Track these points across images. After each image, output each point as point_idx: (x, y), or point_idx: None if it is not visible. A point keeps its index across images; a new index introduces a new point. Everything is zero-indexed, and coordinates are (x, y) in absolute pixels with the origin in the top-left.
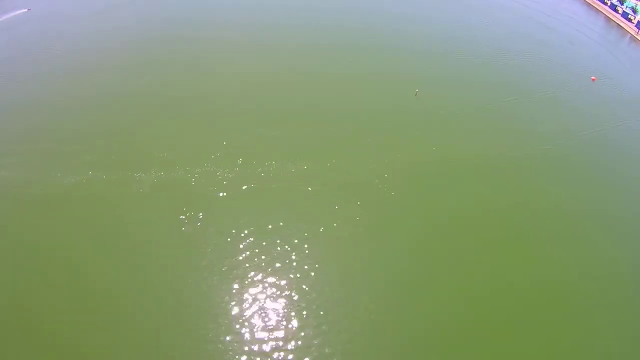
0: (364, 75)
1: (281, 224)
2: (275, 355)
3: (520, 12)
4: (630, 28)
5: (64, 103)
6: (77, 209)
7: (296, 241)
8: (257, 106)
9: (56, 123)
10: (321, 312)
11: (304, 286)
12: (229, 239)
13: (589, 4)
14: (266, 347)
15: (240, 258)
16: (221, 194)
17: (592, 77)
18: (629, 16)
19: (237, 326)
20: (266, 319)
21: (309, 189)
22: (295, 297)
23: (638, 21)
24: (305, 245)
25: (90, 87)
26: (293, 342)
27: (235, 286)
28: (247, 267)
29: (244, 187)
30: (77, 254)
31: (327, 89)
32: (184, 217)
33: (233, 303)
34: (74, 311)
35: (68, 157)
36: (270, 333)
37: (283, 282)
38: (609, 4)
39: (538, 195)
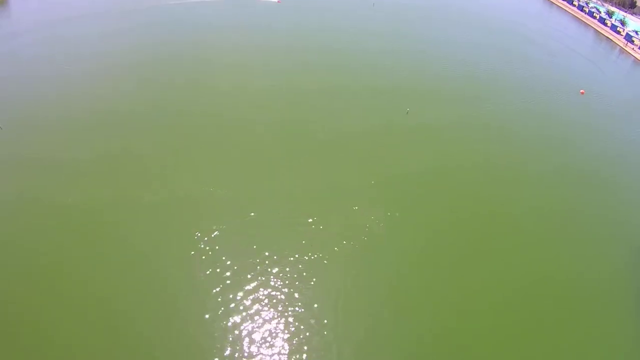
0: (360, 92)
1: (280, 232)
2: None
3: (511, 30)
4: (619, 40)
5: (70, 121)
6: (79, 222)
7: (295, 255)
8: (257, 123)
9: (62, 139)
10: (325, 321)
11: (308, 299)
12: (230, 255)
13: (578, 19)
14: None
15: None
16: (222, 214)
17: (581, 91)
18: (618, 28)
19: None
20: (271, 332)
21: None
22: (301, 310)
23: (627, 33)
24: (304, 259)
25: (95, 105)
26: (297, 355)
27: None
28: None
29: (244, 207)
30: (77, 263)
31: (324, 106)
32: (188, 234)
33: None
34: (74, 321)
35: (72, 172)
36: (274, 345)
37: (287, 295)
38: (597, 18)
39: (532, 201)
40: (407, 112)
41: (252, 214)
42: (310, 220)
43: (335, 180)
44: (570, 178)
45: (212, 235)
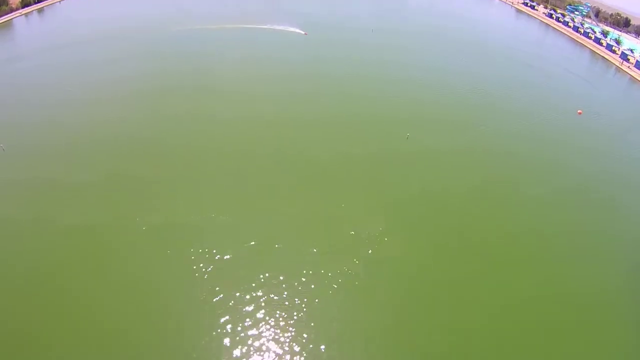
0: (361, 119)
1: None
2: None
3: (508, 54)
4: (615, 59)
5: (72, 145)
6: (81, 244)
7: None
8: (260, 153)
9: (64, 163)
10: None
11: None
12: (230, 281)
13: (574, 40)
14: None
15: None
16: (223, 241)
17: (579, 111)
18: (613, 47)
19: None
20: (275, 349)
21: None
22: (301, 329)
23: (622, 52)
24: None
25: (97, 130)
26: None
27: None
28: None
29: (246, 234)
30: (78, 284)
31: (325, 134)
32: (188, 259)
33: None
34: (73, 338)
35: (74, 194)
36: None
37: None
38: (593, 38)
39: (532, 223)
40: (408, 137)
41: (253, 242)
42: (313, 249)
43: (337, 206)
44: (570, 199)
45: (213, 261)
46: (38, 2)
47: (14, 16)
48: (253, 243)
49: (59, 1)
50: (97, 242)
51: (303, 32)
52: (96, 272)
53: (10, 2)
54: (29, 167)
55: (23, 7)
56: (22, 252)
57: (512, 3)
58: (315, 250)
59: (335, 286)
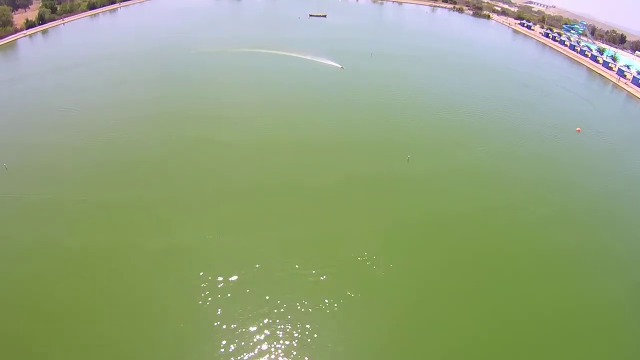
0: (361, 143)
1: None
2: None
3: (506, 75)
4: (612, 76)
5: (74, 167)
6: (84, 266)
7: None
8: (262, 174)
9: (66, 184)
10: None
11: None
12: (234, 305)
13: (570, 58)
14: None
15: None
16: (227, 264)
17: (577, 128)
18: (610, 64)
19: None
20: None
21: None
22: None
23: (619, 68)
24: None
25: (101, 152)
26: None
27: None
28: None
29: (249, 258)
30: (81, 307)
31: (327, 158)
32: (191, 282)
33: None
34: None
35: (76, 216)
36: None
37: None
38: (589, 56)
39: (534, 244)
40: (408, 160)
41: (257, 265)
42: (313, 271)
43: (339, 229)
44: (573, 217)
45: (215, 283)
46: (42, 23)
47: (18, 37)
48: (258, 266)
49: (63, 23)
50: (98, 263)
51: (339, 66)
52: (96, 293)
53: (15, 23)
54: (31, 187)
55: (27, 28)
56: (20, 272)
57: (509, 24)
58: (316, 272)
59: (338, 308)
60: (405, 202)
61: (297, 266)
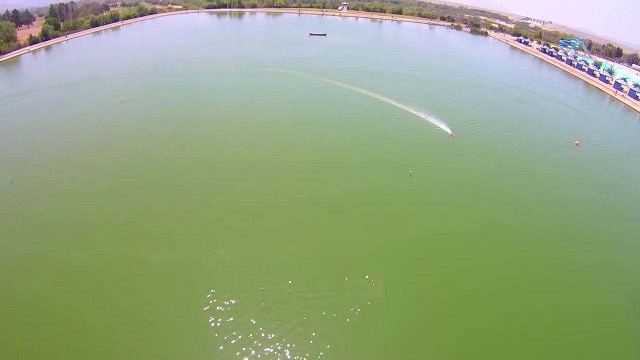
0: (364, 161)
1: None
2: None
3: (504, 91)
4: (609, 89)
5: (79, 182)
6: (90, 280)
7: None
8: (264, 193)
9: (71, 199)
10: None
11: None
12: (241, 323)
13: (568, 73)
14: None
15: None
16: (232, 282)
17: (576, 142)
18: (607, 78)
19: None
20: None
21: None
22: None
23: (615, 81)
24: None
25: (108, 169)
26: None
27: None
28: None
29: (255, 277)
30: (87, 321)
31: (330, 177)
32: (197, 299)
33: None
34: None
35: (82, 230)
36: None
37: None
38: (586, 70)
39: (535, 259)
40: (410, 175)
41: (263, 287)
42: (319, 292)
43: (342, 247)
44: (573, 232)
45: (222, 302)
46: (45, 39)
47: (22, 52)
48: (263, 287)
49: (66, 40)
50: (102, 279)
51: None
52: (100, 307)
53: (19, 39)
54: (34, 200)
55: (31, 44)
56: (23, 284)
57: (506, 40)
58: (321, 291)
59: (342, 328)
60: (407, 218)
61: (301, 286)
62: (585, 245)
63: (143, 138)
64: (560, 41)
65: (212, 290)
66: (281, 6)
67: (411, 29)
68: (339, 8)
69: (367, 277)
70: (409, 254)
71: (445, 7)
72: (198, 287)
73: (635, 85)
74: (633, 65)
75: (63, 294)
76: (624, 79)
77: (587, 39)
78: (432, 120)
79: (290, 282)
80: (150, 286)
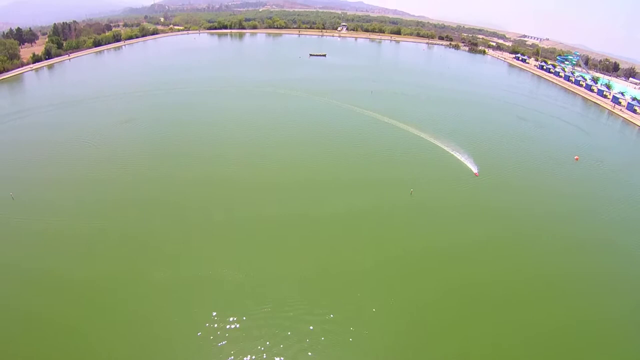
0: (365, 180)
1: (289, 310)
2: None
3: (504, 109)
4: (607, 104)
5: (80, 199)
6: (91, 297)
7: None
8: (266, 212)
9: (72, 216)
10: None
11: None
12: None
13: (566, 89)
14: None
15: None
16: (233, 302)
17: (575, 157)
18: (604, 92)
19: None
20: None
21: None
22: None
23: (613, 96)
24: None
25: (108, 191)
26: None
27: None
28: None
29: (256, 296)
30: (89, 339)
31: (332, 196)
32: (198, 319)
33: None
34: None
35: (84, 248)
36: None
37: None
38: (584, 85)
39: (535, 272)
40: (411, 193)
41: (266, 308)
42: (320, 311)
43: (344, 264)
44: (574, 245)
45: (225, 322)
46: (48, 58)
47: (25, 70)
48: (266, 307)
49: (69, 59)
50: (103, 296)
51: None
52: (100, 326)
53: (22, 57)
54: (36, 216)
55: (34, 62)
56: (24, 299)
57: (504, 58)
58: (322, 310)
59: (345, 343)
60: (408, 234)
61: (303, 305)
62: (586, 257)
63: (145, 157)
64: (558, 57)
65: (214, 311)
66: (281, 27)
67: (410, 48)
68: (339, 29)
69: (369, 294)
70: (411, 269)
71: (444, 27)
72: (200, 305)
73: (633, 99)
74: (630, 79)
75: (64, 309)
76: (622, 93)
77: (584, 55)
78: (432, 139)
79: (292, 300)
80: (151, 304)
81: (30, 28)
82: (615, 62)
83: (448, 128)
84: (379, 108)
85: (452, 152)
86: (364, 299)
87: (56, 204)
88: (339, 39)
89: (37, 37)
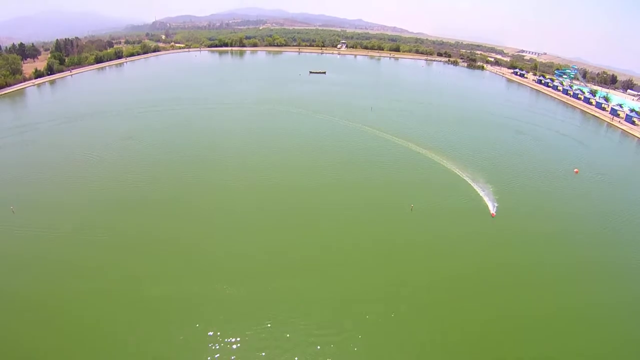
0: (365, 197)
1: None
2: None
3: (503, 124)
4: (605, 116)
5: (84, 221)
6: (89, 311)
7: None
8: (266, 228)
9: (76, 236)
10: None
11: None
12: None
13: (564, 102)
14: None
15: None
16: (231, 320)
17: (575, 170)
18: (603, 105)
19: None
20: None
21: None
22: None
23: (612, 108)
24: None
25: (108, 208)
26: None
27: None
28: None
29: (257, 315)
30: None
31: (336, 213)
32: (196, 337)
33: None
34: None
35: (85, 265)
36: None
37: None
38: (582, 99)
39: (541, 292)
40: (412, 209)
41: (269, 324)
42: (323, 329)
43: (347, 286)
44: (579, 265)
45: (225, 340)
46: (50, 73)
47: (27, 85)
48: (270, 324)
49: (71, 75)
50: (102, 312)
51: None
52: (98, 341)
53: (24, 72)
54: (36, 230)
55: (36, 78)
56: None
57: (503, 73)
58: (324, 327)
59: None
60: (409, 256)
61: (303, 325)
62: (592, 284)
63: (146, 175)
64: (556, 72)
65: (212, 330)
66: (281, 45)
67: (409, 65)
68: (338, 46)
69: (361, 313)
70: (411, 292)
71: (442, 43)
72: (199, 323)
73: (632, 111)
74: (628, 90)
75: (53, 329)
76: (620, 105)
77: (581, 68)
78: (432, 155)
79: (293, 320)
80: (150, 321)
81: (32, 43)
82: (612, 75)
83: (447, 144)
84: (379, 124)
85: (453, 170)
86: (369, 313)
87: (55, 218)
88: (338, 56)
89: (39, 53)
